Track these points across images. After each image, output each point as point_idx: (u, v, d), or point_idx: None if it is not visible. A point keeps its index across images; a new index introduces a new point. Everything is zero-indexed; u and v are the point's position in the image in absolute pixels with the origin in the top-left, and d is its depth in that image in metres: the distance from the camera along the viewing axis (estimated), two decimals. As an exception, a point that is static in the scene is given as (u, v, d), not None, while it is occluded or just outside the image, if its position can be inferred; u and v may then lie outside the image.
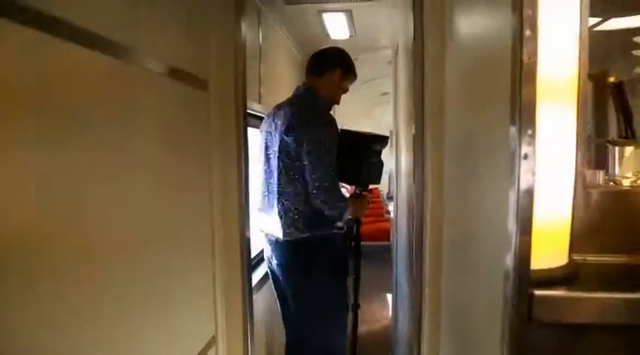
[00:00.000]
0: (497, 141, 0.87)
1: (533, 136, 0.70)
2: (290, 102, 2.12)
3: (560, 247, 0.87)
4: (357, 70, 2.24)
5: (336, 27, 2.82)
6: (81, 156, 0.83)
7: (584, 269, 0.92)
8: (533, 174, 0.70)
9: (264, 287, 2.47)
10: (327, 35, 2.98)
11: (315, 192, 1.95)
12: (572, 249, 0.94)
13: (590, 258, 0.97)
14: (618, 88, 1.09)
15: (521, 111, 0.70)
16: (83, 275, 0.83)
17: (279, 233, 2.02)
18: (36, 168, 0.70)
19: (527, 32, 0.72)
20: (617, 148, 1.13)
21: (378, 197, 7.40)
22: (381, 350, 3.15)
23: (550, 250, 0.84)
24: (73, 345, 0.81)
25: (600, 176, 1.05)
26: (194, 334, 1.48)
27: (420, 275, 1.64)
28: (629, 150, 1.10)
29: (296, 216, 1.99)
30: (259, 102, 2.58)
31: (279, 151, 2.00)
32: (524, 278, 0.71)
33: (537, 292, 0.72)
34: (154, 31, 1.16)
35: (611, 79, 1.10)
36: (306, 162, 1.94)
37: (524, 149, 0.69)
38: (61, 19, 0.76)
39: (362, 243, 2.39)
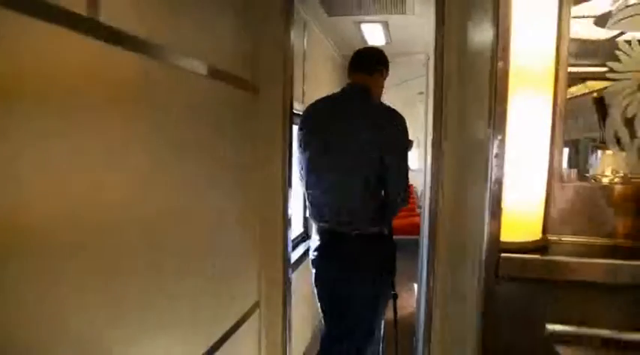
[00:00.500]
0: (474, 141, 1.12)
1: (503, 140, 0.95)
2: (351, 100, 2.13)
3: (533, 227, 1.11)
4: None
5: (373, 35, 3.08)
6: (150, 150, 1.11)
7: (556, 246, 1.16)
8: (502, 169, 0.95)
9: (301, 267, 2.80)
10: (365, 42, 3.24)
11: (396, 190, 2.06)
12: (549, 230, 1.19)
13: (565, 239, 1.21)
14: (600, 102, 1.31)
15: (495, 119, 0.95)
16: (153, 246, 1.13)
17: (352, 227, 2.06)
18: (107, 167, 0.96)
19: (500, 51, 0.97)
20: (598, 151, 1.35)
21: (412, 194, 7.61)
22: (407, 333, 3.40)
23: (523, 228, 1.09)
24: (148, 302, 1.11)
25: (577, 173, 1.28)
26: (241, 298, 1.79)
27: (432, 269, 1.88)
28: (608, 153, 1.32)
29: (372, 212, 2.06)
30: (302, 101, 2.87)
31: (357, 149, 2.01)
32: (494, 244, 0.96)
33: (503, 255, 0.97)
34: (215, 43, 1.46)
35: (594, 94, 1.32)
36: (391, 161, 2.02)
37: (496, 149, 0.94)
38: (151, 43, 1.07)
39: (395, 236, 2.45)
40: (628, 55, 1.18)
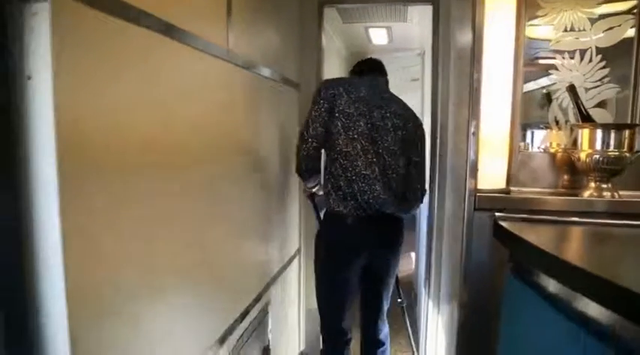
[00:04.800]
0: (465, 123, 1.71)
1: (478, 123, 1.54)
2: (390, 93, 2.13)
3: (500, 181, 1.71)
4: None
5: (378, 37, 3.67)
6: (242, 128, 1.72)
7: (515, 193, 1.76)
8: (478, 142, 1.54)
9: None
10: (370, 41, 3.83)
11: (420, 186, 2.10)
12: (514, 183, 1.78)
13: (523, 189, 1.80)
14: (547, 96, 1.90)
15: (472, 107, 1.53)
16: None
17: (392, 206, 2.01)
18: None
19: (476, 68, 1.55)
20: (549, 131, 1.94)
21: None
22: (406, 288, 4.05)
23: (494, 181, 1.68)
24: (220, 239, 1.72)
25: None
26: (289, 245, 2.39)
27: (430, 234, 2.51)
28: (551, 131, 1.91)
29: (404, 196, 2.06)
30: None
31: (396, 129, 1.99)
32: (472, 189, 1.56)
33: (479, 194, 1.56)
34: (279, 56, 2.04)
35: (544, 91, 1.91)
36: (417, 152, 2.05)
37: (472, 128, 1.53)
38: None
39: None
40: (562, 65, 1.77)
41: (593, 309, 0.75)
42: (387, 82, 2.19)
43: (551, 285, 0.88)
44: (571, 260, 0.80)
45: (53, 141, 0.72)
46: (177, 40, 1.11)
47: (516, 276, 1.08)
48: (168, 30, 1.06)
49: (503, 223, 1.14)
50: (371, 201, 1.96)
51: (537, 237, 1.04)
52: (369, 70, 2.19)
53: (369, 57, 2.33)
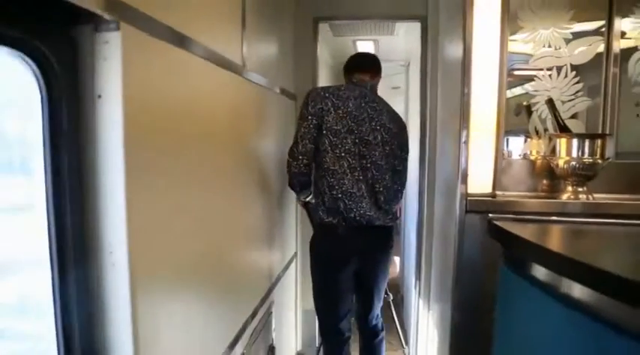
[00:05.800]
0: (454, 132, 1.86)
1: (468, 133, 1.69)
2: (379, 100, 2.19)
3: (487, 186, 1.87)
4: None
5: (365, 49, 3.84)
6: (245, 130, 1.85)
7: (500, 196, 1.92)
8: (468, 150, 1.69)
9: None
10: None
11: (401, 188, 2.22)
12: (497, 187, 1.94)
13: (507, 193, 1.97)
14: (528, 107, 2.07)
15: (463, 116, 1.69)
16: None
17: (380, 220, 2.12)
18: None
19: (467, 86, 1.71)
20: (529, 140, 2.10)
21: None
22: (393, 290, 4.19)
23: (480, 186, 1.84)
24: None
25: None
26: (288, 248, 2.51)
27: (420, 238, 2.67)
28: (532, 140, 2.08)
29: (391, 205, 2.18)
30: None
31: (384, 144, 2.09)
32: (464, 194, 1.71)
33: (469, 198, 1.71)
34: (278, 71, 2.17)
35: (524, 103, 2.08)
36: (400, 160, 2.17)
37: (464, 138, 1.68)
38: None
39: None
40: (540, 79, 1.95)
41: (577, 291, 0.90)
42: (377, 83, 2.25)
43: (542, 273, 1.02)
44: (558, 250, 0.95)
45: (121, 143, 0.83)
46: (214, 62, 1.25)
47: (510, 269, 1.22)
48: (207, 54, 1.20)
49: (497, 223, 1.28)
50: (358, 217, 2.06)
51: (528, 233, 1.19)
52: (364, 71, 2.22)
53: (366, 53, 2.46)
